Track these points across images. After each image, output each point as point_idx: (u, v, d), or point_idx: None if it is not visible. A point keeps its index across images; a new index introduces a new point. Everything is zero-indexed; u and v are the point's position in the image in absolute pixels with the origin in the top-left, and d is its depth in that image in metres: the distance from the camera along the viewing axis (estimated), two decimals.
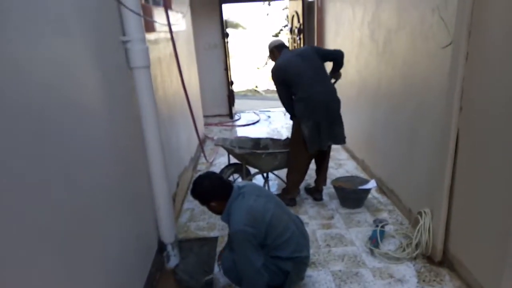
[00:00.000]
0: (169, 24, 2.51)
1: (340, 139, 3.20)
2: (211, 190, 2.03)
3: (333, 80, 3.35)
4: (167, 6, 2.53)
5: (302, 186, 3.71)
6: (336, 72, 3.35)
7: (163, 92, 3.05)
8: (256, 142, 3.60)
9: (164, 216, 2.47)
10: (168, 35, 2.64)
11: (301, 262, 2.06)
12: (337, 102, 3.13)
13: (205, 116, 6.74)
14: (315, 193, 3.45)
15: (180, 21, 3.86)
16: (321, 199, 3.42)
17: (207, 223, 3.15)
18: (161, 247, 2.53)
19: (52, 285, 1.23)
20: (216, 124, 6.77)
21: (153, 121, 2.29)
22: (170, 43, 2.64)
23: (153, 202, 2.44)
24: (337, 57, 3.25)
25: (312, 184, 3.55)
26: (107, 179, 1.79)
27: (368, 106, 3.91)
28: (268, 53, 3.37)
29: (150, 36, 2.53)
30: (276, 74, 3.14)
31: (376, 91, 3.61)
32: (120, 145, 2.02)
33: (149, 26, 2.44)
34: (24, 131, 1.12)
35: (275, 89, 3.24)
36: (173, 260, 2.57)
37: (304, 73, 3.03)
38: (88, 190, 1.56)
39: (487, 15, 1.90)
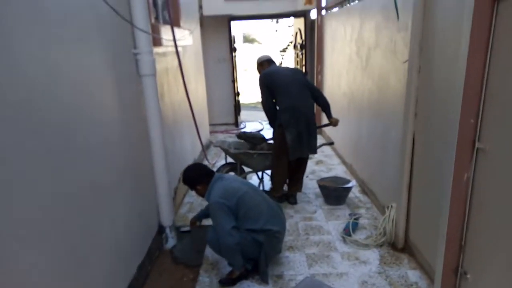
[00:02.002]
0: (174, 40, 2.97)
1: (314, 150, 3.58)
2: (196, 176, 2.53)
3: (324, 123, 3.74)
4: (173, 25, 2.99)
5: None
6: (330, 117, 3.68)
7: (169, 99, 3.50)
8: (253, 144, 3.97)
9: (164, 202, 2.89)
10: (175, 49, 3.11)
11: (273, 235, 2.44)
12: (314, 117, 3.53)
13: (212, 124, 7.22)
14: (290, 197, 3.73)
15: (187, 37, 4.34)
16: (295, 202, 3.71)
17: None
18: (161, 229, 2.94)
19: (74, 239, 1.65)
20: (222, 132, 7.22)
21: (157, 122, 2.73)
22: (177, 56, 3.11)
23: (155, 190, 2.86)
24: (320, 96, 3.61)
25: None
26: (116, 166, 2.22)
27: (356, 115, 4.29)
28: (257, 66, 3.75)
29: (158, 50, 3.00)
30: (264, 79, 3.50)
31: (361, 102, 4.00)
32: (129, 139, 2.45)
33: (157, 41, 2.90)
34: (53, 121, 1.57)
35: (260, 96, 3.60)
36: (171, 242, 2.97)
37: (291, 86, 3.42)
38: (101, 173, 1.99)
39: (433, 34, 2.29)
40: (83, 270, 1.74)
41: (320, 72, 6.32)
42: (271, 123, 3.66)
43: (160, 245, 2.94)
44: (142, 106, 2.65)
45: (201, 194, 2.55)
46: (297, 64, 7.59)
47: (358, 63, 4.05)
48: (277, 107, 3.51)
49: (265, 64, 3.67)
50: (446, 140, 2.04)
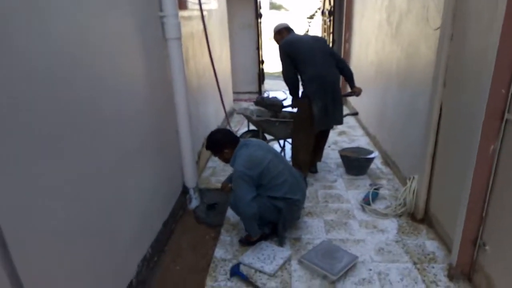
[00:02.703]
0: (199, 3, 2.95)
1: (340, 121, 3.45)
2: (223, 140, 2.52)
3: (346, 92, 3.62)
4: None
5: None
6: (353, 86, 3.54)
7: (194, 64, 3.52)
8: (275, 112, 3.97)
9: (188, 165, 2.99)
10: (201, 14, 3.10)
11: (293, 203, 2.50)
12: (339, 87, 3.40)
13: (236, 93, 7.22)
14: (311, 166, 3.70)
15: (213, 0, 4.29)
16: (316, 171, 3.72)
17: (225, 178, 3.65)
18: (185, 190, 3.07)
19: (106, 196, 1.76)
20: (245, 100, 7.23)
21: (182, 86, 2.77)
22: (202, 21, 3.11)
23: (180, 153, 2.95)
24: (345, 65, 3.45)
25: None
26: (144, 128, 2.30)
27: (382, 85, 4.18)
28: (274, 35, 3.52)
29: (183, 13, 2.99)
30: (285, 47, 3.28)
31: (389, 70, 3.89)
32: (155, 103, 2.51)
33: (182, 4, 2.89)
34: (81, 84, 1.63)
35: (281, 66, 3.39)
36: (194, 202, 3.10)
37: (316, 54, 3.26)
38: (130, 134, 2.08)
39: (467, 0, 2.17)
40: (114, 223, 1.87)
41: (348, 40, 6.13)
42: (293, 94, 3.53)
43: (184, 205, 3.07)
44: (168, 70, 2.68)
45: (227, 159, 2.54)
46: (325, 32, 7.36)
47: (387, 30, 3.90)
48: (301, 77, 3.37)
49: (284, 32, 3.45)
50: (475, 110, 1.98)
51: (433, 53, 2.62)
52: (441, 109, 2.50)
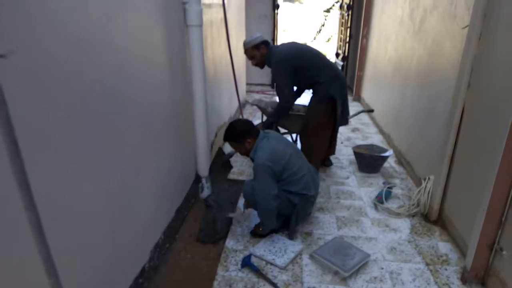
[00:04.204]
0: None
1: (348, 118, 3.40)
2: (246, 129, 2.48)
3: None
4: None
5: None
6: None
7: (211, 52, 3.49)
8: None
9: (202, 153, 2.99)
10: (221, 1, 3.05)
11: (307, 199, 2.49)
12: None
13: (249, 84, 7.18)
14: (325, 160, 3.70)
15: None
16: (331, 164, 3.73)
17: (237, 169, 3.65)
18: (197, 179, 3.06)
19: (125, 178, 1.76)
20: (257, 92, 7.19)
21: (201, 74, 2.75)
22: (222, 9, 3.06)
23: (195, 142, 2.95)
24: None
25: None
26: (163, 113, 2.30)
27: (400, 83, 4.11)
28: (249, 50, 3.17)
29: (204, 0, 2.95)
30: (289, 61, 3.03)
31: (408, 68, 3.82)
32: (175, 89, 2.49)
33: None
34: (107, 65, 1.62)
35: (282, 84, 3.13)
36: (206, 191, 3.10)
37: (320, 55, 3.18)
38: (151, 119, 2.07)
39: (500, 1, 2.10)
40: (133, 207, 1.87)
41: (366, 35, 6.04)
42: (278, 117, 3.30)
43: (196, 193, 3.07)
44: (187, 57, 2.66)
45: (247, 150, 2.48)
46: (342, 26, 7.27)
47: (410, 26, 3.82)
48: (317, 81, 3.12)
49: (262, 47, 3.12)
50: (500, 113, 1.94)
51: (458, 52, 2.56)
52: (463, 110, 2.45)
